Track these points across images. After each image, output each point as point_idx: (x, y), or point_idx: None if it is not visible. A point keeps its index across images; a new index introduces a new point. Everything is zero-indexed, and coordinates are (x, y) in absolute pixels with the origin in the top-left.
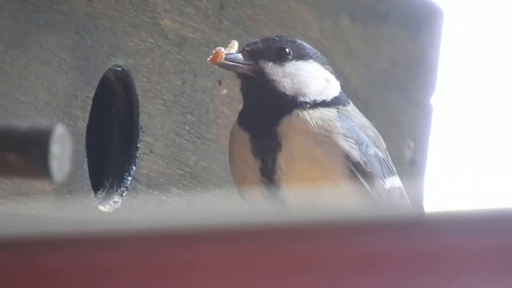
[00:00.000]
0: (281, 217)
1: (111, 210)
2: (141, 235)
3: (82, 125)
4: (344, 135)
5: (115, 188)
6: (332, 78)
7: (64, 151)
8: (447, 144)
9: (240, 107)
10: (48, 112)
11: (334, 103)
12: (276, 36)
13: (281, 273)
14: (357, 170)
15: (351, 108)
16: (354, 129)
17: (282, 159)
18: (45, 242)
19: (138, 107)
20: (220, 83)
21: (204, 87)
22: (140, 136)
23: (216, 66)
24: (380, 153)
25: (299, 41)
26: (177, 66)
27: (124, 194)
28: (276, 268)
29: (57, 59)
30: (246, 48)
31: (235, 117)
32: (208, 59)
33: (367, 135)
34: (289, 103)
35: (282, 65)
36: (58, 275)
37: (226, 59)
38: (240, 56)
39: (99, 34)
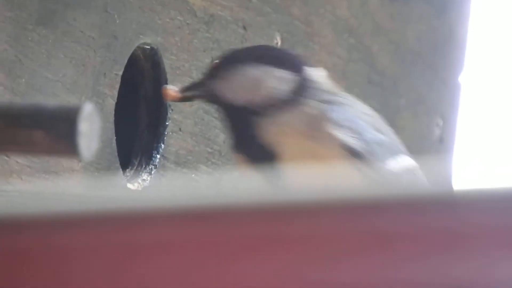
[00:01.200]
0: (309, 196)
1: (139, 188)
2: (169, 213)
3: (111, 103)
4: (340, 126)
5: (143, 166)
6: (283, 73)
7: (92, 129)
8: (476, 121)
9: None
10: (77, 90)
11: (302, 95)
12: (233, 49)
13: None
14: (356, 158)
15: (338, 94)
16: (349, 118)
17: (285, 165)
18: (73, 220)
19: (166, 85)
20: None
21: None
22: (168, 114)
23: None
24: (381, 136)
25: (248, 48)
26: (206, 44)
27: (152, 172)
28: (309, 244)
29: (85, 37)
30: (206, 72)
31: None
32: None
33: (364, 121)
34: (252, 112)
35: (229, 78)
36: (87, 253)
37: (182, 90)
38: (195, 83)
39: (127, 12)
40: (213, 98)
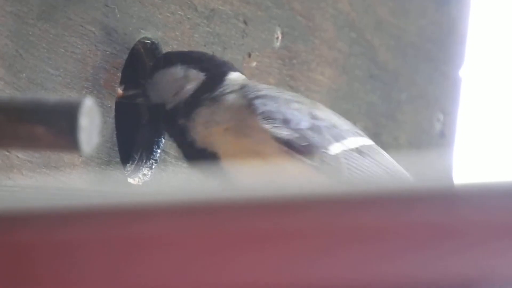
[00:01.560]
0: (312, 189)
1: (140, 182)
2: (170, 207)
3: (111, 97)
4: (270, 118)
5: (144, 161)
6: (191, 72)
7: (93, 124)
8: (477, 116)
9: (270, 79)
10: (77, 84)
11: (213, 90)
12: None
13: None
14: (290, 148)
15: (264, 89)
16: (279, 110)
17: (225, 163)
18: (74, 215)
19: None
20: (249, 55)
21: (233, 59)
22: None
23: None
24: (318, 122)
25: (167, 52)
26: (207, 39)
27: (153, 167)
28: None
29: (86, 32)
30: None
31: None
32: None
33: (295, 110)
34: (176, 114)
35: (151, 79)
36: (88, 248)
37: (125, 89)
38: (138, 83)
39: (128, 7)
40: (147, 100)
